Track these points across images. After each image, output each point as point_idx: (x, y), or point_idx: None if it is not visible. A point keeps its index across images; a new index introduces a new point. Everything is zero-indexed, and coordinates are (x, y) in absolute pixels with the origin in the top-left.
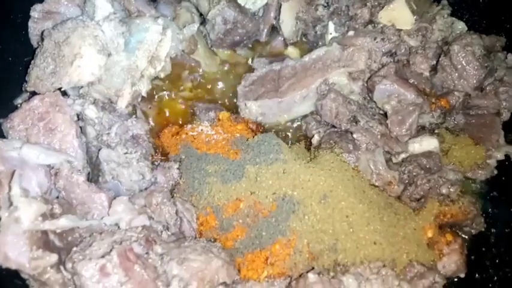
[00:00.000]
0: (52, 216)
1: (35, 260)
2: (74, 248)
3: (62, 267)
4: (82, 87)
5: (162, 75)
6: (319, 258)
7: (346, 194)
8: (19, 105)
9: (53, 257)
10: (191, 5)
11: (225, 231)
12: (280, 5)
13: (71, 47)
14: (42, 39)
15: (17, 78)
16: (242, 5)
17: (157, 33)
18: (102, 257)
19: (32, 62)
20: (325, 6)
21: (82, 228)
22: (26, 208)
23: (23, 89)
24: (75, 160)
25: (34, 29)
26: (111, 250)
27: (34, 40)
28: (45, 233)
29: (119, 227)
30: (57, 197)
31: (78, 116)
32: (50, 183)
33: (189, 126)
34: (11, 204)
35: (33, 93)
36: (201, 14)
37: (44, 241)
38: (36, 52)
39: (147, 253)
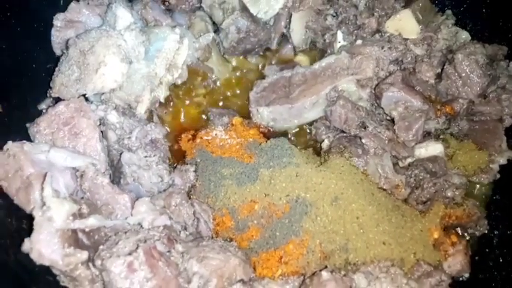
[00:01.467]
0: (80, 216)
1: (67, 257)
2: (101, 246)
3: (90, 264)
4: (104, 93)
5: (179, 81)
6: (331, 257)
7: (356, 196)
8: (44, 110)
9: (84, 254)
10: (205, 14)
11: (240, 231)
12: (291, 14)
13: (95, 56)
14: (67, 48)
15: (41, 84)
16: (254, 14)
17: (175, 41)
18: (129, 254)
19: (57, 69)
20: (334, 16)
21: (107, 227)
22: (59, 208)
23: (48, 94)
24: (98, 163)
25: (57, 37)
26: (137, 248)
27: (57, 48)
28: (74, 231)
29: (141, 226)
30: (82, 198)
31: (100, 120)
32: (76, 184)
33: (204, 131)
34: (43, 204)
35: (57, 99)
36: (213, 23)
37: (74, 239)
38: (61, 60)
39: (169, 251)
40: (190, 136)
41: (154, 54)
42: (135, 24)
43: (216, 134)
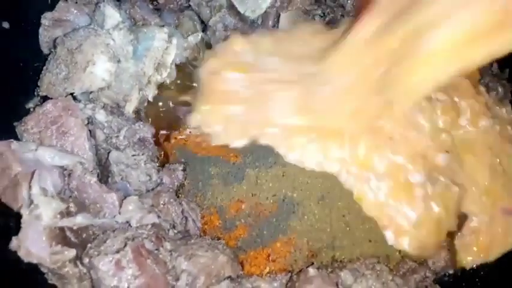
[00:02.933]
0: (68, 214)
1: (55, 255)
2: (89, 245)
3: (78, 262)
4: (92, 92)
5: (168, 81)
6: (318, 255)
7: (342, 194)
8: (31, 109)
9: (72, 252)
10: (193, 14)
11: (228, 230)
12: (279, 14)
13: (83, 54)
14: (55, 47)
15: (28, 83)
16: (242, 12)
17: (164, 41)
18: (117, 252)
19: (44, 67)
20: (322, 16)
21: (95, 226)
22: (46, 206)
23: (35, 93)
24: (86, 162)
25: (45, 36)
26: (124, 246)
27: (44, 47)
28: (62, 229)
29: (129, 224)
30: (70, 197)
31: (88, 119)
32: (63, 183)
33: (177, 131)
34: (31, 202)
35: (45, 98)
36: (202, 22)
37: (62, 237)
38: (49, 58)
39: (157, 249)
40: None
41: (143, 53)
42: (123, 24)
43: (190, 132)
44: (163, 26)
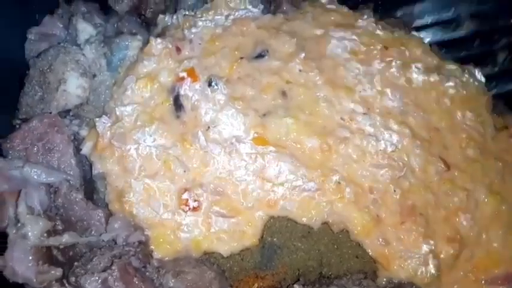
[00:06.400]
0: (55, 232)
1: (41, 274)
2: (76, 263)
3: (65, 281)
4: (70, 110)
5: None
6: (306, 272)
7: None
8: (17, 126)
9: (58, 271)
10: None
11: None
12: None
13: (54, 74)
14: (29, 68)
15: (15, 98)
16: None
17: (138, 48)
18: (104, 270)
19: (22, 90)
20: None
21: (82, 244)
22: (33, 225)
23: (16, 117)
24: (73, 179)
25: (30, 50)
26: (111, 264)
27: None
28: (49, 248)
29: (115, 242)
30: (56, 214)
31: (74, 135)
32: (50, 201)
33: None
34: (17, 221)
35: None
36: None
37: (48, 256)
38: (24, 81)
39: (144, 267)
40: None
41: (118, 64)
42: (95, 37)
43: None
44: (135, 33)
